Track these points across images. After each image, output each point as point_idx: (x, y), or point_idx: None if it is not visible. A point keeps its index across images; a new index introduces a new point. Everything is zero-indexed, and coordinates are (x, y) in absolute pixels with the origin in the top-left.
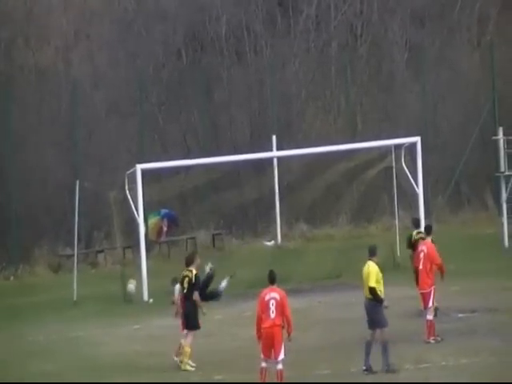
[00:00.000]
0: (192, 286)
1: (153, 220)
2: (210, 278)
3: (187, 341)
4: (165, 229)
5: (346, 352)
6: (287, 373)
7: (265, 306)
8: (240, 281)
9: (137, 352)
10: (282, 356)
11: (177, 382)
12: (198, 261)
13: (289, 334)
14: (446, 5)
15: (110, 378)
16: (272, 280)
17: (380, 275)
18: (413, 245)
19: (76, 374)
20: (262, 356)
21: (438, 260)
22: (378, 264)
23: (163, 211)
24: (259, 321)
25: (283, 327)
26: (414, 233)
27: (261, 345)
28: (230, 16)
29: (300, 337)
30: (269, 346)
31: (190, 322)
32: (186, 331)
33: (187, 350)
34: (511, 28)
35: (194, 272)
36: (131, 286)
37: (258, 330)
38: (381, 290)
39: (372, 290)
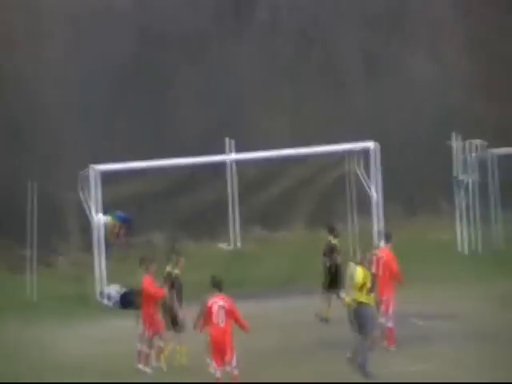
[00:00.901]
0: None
1: (108, 221)
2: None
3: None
4: (121, 231)
5: (302, 357)
6: (242, 377)
7: (212, 315)
8: (195, 283)
9: (94, 354)
10: (235, 361)
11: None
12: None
13: (247, 329)
14: (401, 7)
15: (66, 380)
16: (218, 286)
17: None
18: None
19: (33, 376)
20: (214, 365)
21: (395, 268)
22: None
23: (117, 213)
24: (197, 324)
25: (232, 333)
26: (332, 240)
27: (212, 354)
28: (181, 17)
29: (255, 341)
30: (221, 354)
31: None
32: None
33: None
34: (467, 32)
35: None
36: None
37: (199, 327)
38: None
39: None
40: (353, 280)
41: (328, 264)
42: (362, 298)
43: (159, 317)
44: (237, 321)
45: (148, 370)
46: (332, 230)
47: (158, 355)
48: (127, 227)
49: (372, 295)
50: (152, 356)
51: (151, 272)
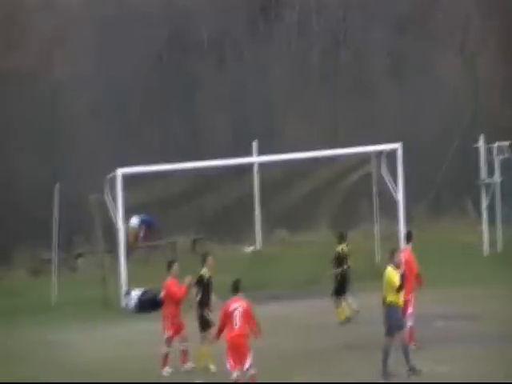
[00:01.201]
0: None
1: (132, 225)
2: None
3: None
4: (141, 234)
5: (325, 358)
6: (265, 379)
7: (228, 317)
8: (220, 286)
9: (115, 357)
10: (249, 362)
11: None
12: (209, 262)
13: (258, 335)
14: (428, 11)
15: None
16: (236, 289)
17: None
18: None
19: (53, 379)
20: (231, 366)
21: (415, 269)
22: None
23: (142, 217)
24: (222, 327)
25: (248, 336)
26: (341, 247)
27: (228, 355)
28: (211, 21)
29: (279, 343)
30: (237, 355)
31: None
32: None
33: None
34: (493, 35)
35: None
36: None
37: (219, 333)
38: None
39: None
40: (386, 282)
41: (334, 272)
42: (390, 297)
43: (180, 318)
44: (250, 324)
45: (165, 371)
46: (341, 238)
47: (183, 358)
48: (149, 229)
49: (399, 295)
50: (181, 357)
51: (173, 273)
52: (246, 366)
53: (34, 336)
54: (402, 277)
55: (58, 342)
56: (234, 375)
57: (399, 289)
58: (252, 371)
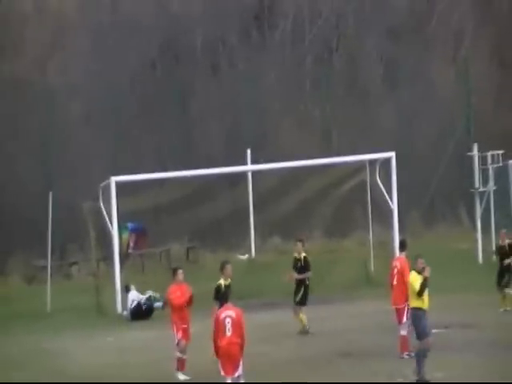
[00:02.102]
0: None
1: (124, 235)
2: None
3: None
4: (131, 242)
5: (318, 366)
6: None
7: (220, 325)
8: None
9: (109, 364)
10: (239, 372)
11: None
12: (227, 270)
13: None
14: (421, 19)
15: None
16: (226, 299)
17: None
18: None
19: None
20: (223, 374)
21: (408, 277)
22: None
23: (130, 225)
24: (216, 339)
25: (239, 344)
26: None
27: (220, 363)
28: (205, 28)
29: (272, 351)
30: (229, 362)
31: None
32: None
33: None
34: (486, 43)
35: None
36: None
37: (216, 346)
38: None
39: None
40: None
41: (298, 277)
42: (413, 302)
43: (184, 325)
44: (240, 332)
45: (181, 376)
46: (299, 244)
47: (180, 365)
48: (139, 236)
49: (423, 298)
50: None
51: (177, 280)
52: (236, 374)
53: (29, 343)
54: (424, 283)
55: (53, 349)
56: (229, 380)
57: (420, 293)
58: (241, 380)
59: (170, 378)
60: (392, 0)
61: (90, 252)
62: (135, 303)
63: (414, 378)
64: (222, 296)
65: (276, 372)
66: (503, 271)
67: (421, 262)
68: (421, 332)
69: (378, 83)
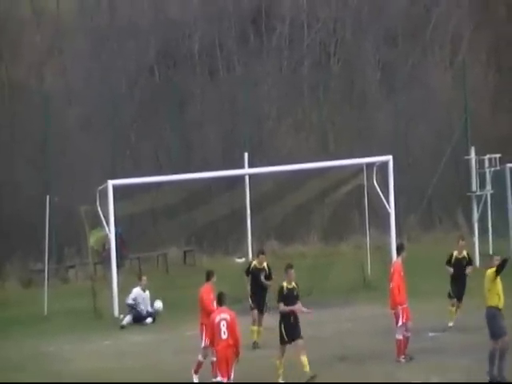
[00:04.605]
0: None
1: (100, 233)
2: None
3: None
4: (107, 246)
5: (316, 369)
6: None
7: (216, 328)
8: None
9: (107, 368)
10: (232, 375)
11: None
12: (290, 274)
13: (237, 356)
14: (418, 24)
15: None
16: (221, 301)
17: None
18: None
19: None
20: (219, 377)
21: (393, 282)
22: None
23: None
24: (212, 343)
25: (235, 347)
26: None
27: (217, 366)
28: (202, 33)
29: (269, 354)
30: (224, 365)
31: None
32: None
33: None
34: (483, 48)
35: None
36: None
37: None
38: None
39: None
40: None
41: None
42: (490, 301)
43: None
44: (233, 336)
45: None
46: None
47: (197, 368)
48: (120, 242)
49: (496, 297)
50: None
51: (210, 283)
52: (230, 378)
53: (27, 347)
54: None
55: (50, 352)
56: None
57: (497, 272)
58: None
59: (167, 381)
60: (389, 5)
61: (87, 256)
62: (133, 312)
63: (487, 379)
64: (283, 298)
65: (273, 376)
66: None
67: (496, 259)
68: (496, 331)
69: (375, 87)
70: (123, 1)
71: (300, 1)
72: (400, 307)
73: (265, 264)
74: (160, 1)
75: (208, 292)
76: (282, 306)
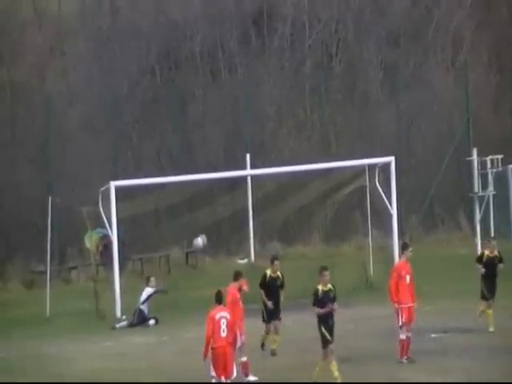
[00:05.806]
0: None
1: (95, 236)
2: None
3: None
4: (101, 246)
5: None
6: None
7: (216, 325)
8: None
9: (109, 369)
10: (234, 374)
11: None
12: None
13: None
14: (420, 25)
15: None
16: (220, 300)
17: None
18: None
19: None
20: (214, 375)
21: (389, 282)
22: None
23: (99, 230)
24: (209, 340)
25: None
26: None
27: (213, 364)
28: (204, 34)
29: (270, 356)
30: (222, 365)
31: None
32: None
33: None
34: (485, 49)
35: None
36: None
37: (207, 348)
38: None
39: None
40: None
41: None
42: None
43: (238, 327)
44: (233, 332)
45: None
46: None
47: (246, 370)
48: (107, 244)
49: None
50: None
51: (238, 283)
52: (233, 375)
53: (29, 348)
54: None
55: (53, 353)
56: (223, 380)
57: None
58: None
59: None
60: (391, 6)
61: (89, 257)
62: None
63: None
64: (318, 301)
65: (275, 377)
66: None
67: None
68: None
69: (377, 88)
70: (125, 2)
71: (301, 1)
72: (398, 306)
73: (279, 273)
74: (161, 2)
75: (234, 292)
76: (316, 309)
